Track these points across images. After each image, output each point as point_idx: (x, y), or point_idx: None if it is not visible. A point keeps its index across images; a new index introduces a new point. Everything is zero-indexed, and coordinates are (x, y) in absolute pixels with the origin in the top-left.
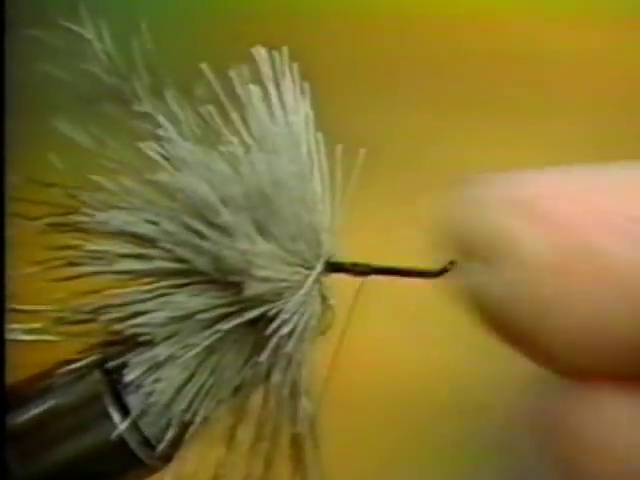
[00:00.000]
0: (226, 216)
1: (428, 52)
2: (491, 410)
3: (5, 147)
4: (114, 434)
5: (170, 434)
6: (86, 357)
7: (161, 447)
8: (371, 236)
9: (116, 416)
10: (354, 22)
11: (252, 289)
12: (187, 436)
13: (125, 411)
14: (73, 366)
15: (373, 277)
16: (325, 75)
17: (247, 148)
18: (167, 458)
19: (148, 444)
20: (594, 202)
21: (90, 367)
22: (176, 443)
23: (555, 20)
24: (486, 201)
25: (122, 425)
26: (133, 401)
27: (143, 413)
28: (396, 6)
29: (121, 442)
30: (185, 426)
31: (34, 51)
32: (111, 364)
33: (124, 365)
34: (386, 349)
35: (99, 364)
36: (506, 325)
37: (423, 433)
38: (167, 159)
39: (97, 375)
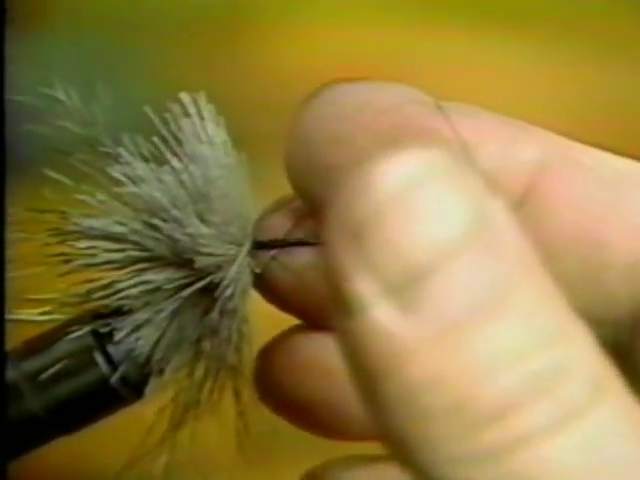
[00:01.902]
0: (175, 213)
1: None
2: None
3: (5, 150)
4: (113, 378)
5: (152, 379)
6: (80, 324)
7: (146, 389)
8: None
9: (104, 365)
10: None
11: (200, 262)
12: (159, 378)
13: (110, 361)
14: (72, 329)
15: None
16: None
17: (185, 163)
18: (141, 394)
19: (127, 384)
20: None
21: (85, 330)
22: (145, 383)
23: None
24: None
25: (108, 370)
26: (116, 354)
27: (125, 362)
28: None
29: (106, 382)
30: (160, 371)
31: (20, 114)
32: (101, 330)
33: (112, 329)
34: None
35: (93, 329)
36: None
37: None
38: (129, 177)
39: (88, 336)
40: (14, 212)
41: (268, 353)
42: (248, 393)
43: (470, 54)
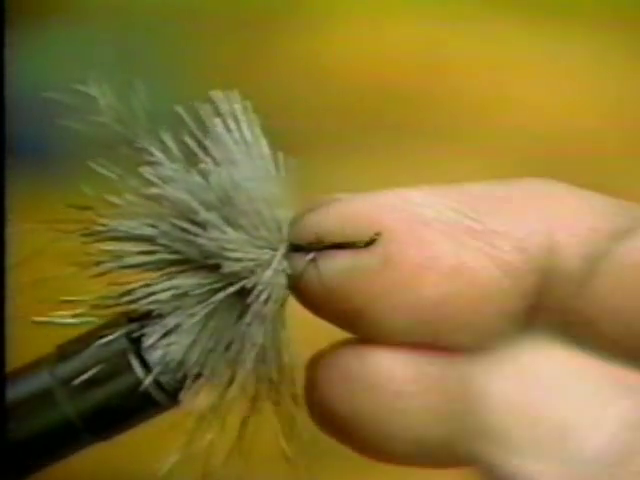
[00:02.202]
0: (202, 215)
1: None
2: None
3: (5, 150)
4: (145, 383)
5: (188, 384)
6: (114, 328)
7: (181, 395)
8: None
9: (139, 369)
10: None
11: (227, 268)
12: (195, 384)
13: (146, 366)
14: (105, 333)
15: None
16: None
17: (217, 164)
18: (178, 401)
19: (163, 390)
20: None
21: (118, 334)
22: (186, 389)
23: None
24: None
25: (144, 375)
26: (152, 359)
27: (161, 367)
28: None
29: (143, 388)
30: (196, 377)
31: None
32: (134, 334)
33: (143, 334)
34: None
35: (126, 333)
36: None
37: None
38: (159, 178)
39: (123, 340)
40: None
41: (314, 365)
42: (290, 400)
43: (528, 49)
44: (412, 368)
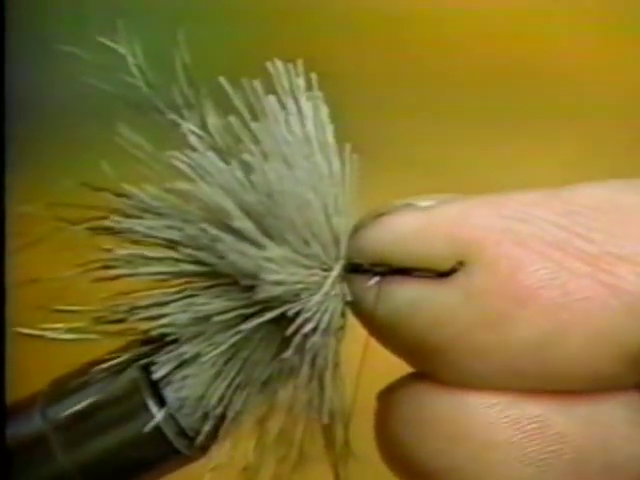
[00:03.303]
0: (238, 222)
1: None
2: None
3: (5, 150)
4: (150, 425)
5: (207, 426)
6: (122, 355)
7: (199, 439)
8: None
9: (154, 408)
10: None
11: (264, 292)
12: (222, 428)
13: (163, 404)
14: (111, 363)
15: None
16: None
17: (264, 157)
18: (204, 448)
19: (185, 435)
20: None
21: (127, 363)
22: (212, 434)
23: (557, 33)
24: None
25: (159, 415)
26: (170, 394)
27: (180, 406)
28: (407, 21)
29: (159, 433)
30: (221, 419)
31: (77, 67)
32: (144, 361)
33: (154, 362)
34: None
35: (135, 360)
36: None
37: None
38: (191, 167)
39: (135, 370)
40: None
41: (384, 401)
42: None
43: None
44: (512, 412)
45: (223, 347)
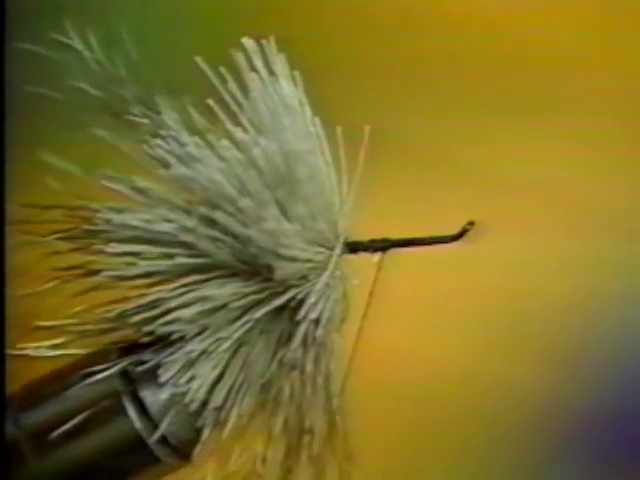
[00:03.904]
0: (246, 201)
1: (432, 49)
2: (510, 406)
3: (5, 149)
4: (129, 431)
5: (206, 433)
6: (99, 360)
7: (184, 446)
8: (382, 215)
9: (133, 414)
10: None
11: (281, 270)
12: (204, 435)
13: (143, 409)
14: (91, 369)
15: (392, 251)
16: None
17: (252, 135)
18: (186, 456)
19: (166, 442)
20: None
21: (108, 369)
22: (195, 441)
23: (571, 24)
24: None
25: (138, 422)
26: (150, 400)
27: (162, 411)
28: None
29: (139, 440)
30: (215, 424)
31: (23, 70)
32: (133, 367)
33: (140, 364)
34: (403, 350)
35: (120, 370)
36: None
37: (439, 429)
38: (176, 156)
39: (114, 376)
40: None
41: None
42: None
43: None
44: None
45: (229, 342)
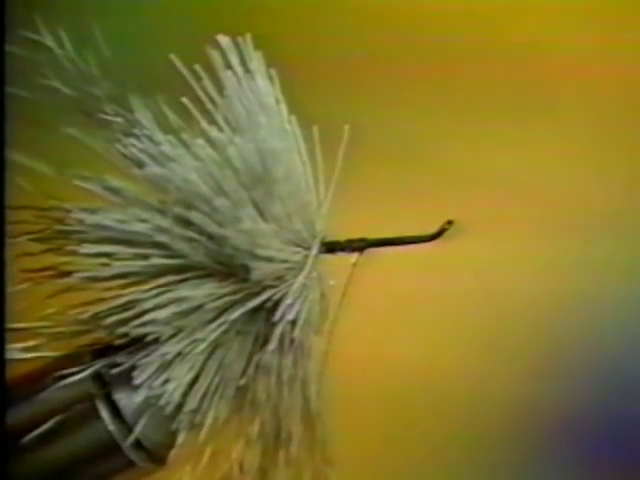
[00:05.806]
0: (221, 201)
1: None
2: (486, 407)
3: (5, 149)
4: (102, 434)
5: (181, 437)
6: (72, 362)
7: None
8: (359, 215)
9: (107, 417)
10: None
11: (258, 270)
12: (179, 438)
13: (117, 412)
14: (65, 371)
15: (369, 251)
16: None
17: (228, 134)
18: (161, 460)
19: (141, 446)
20: None
21: (82, 371)
22: (169, 445)
23: (561, 21)
24: None
25: (112, 425)
26: (124, 401)
27: (138, 415)
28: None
29: (113, 443)
30: (189, 427)
31: None
32: (106, 369)
33: (131, 368)
34: (381, 351)
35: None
36: None
37: (416, 430)
38: (150, 155)
39: (87, 379)
40: None
41: None
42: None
43: None
44: None
45: (205, 343)
